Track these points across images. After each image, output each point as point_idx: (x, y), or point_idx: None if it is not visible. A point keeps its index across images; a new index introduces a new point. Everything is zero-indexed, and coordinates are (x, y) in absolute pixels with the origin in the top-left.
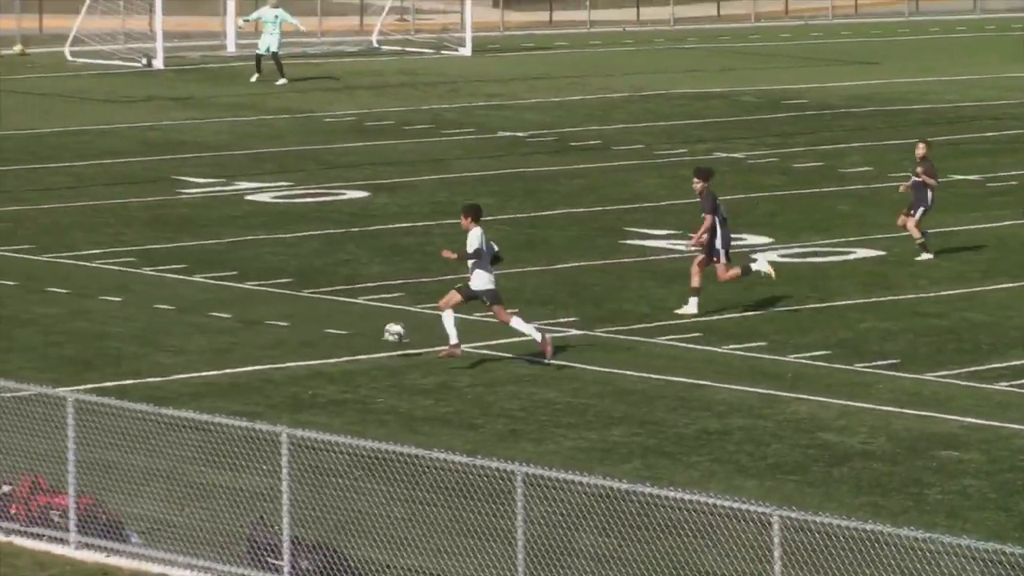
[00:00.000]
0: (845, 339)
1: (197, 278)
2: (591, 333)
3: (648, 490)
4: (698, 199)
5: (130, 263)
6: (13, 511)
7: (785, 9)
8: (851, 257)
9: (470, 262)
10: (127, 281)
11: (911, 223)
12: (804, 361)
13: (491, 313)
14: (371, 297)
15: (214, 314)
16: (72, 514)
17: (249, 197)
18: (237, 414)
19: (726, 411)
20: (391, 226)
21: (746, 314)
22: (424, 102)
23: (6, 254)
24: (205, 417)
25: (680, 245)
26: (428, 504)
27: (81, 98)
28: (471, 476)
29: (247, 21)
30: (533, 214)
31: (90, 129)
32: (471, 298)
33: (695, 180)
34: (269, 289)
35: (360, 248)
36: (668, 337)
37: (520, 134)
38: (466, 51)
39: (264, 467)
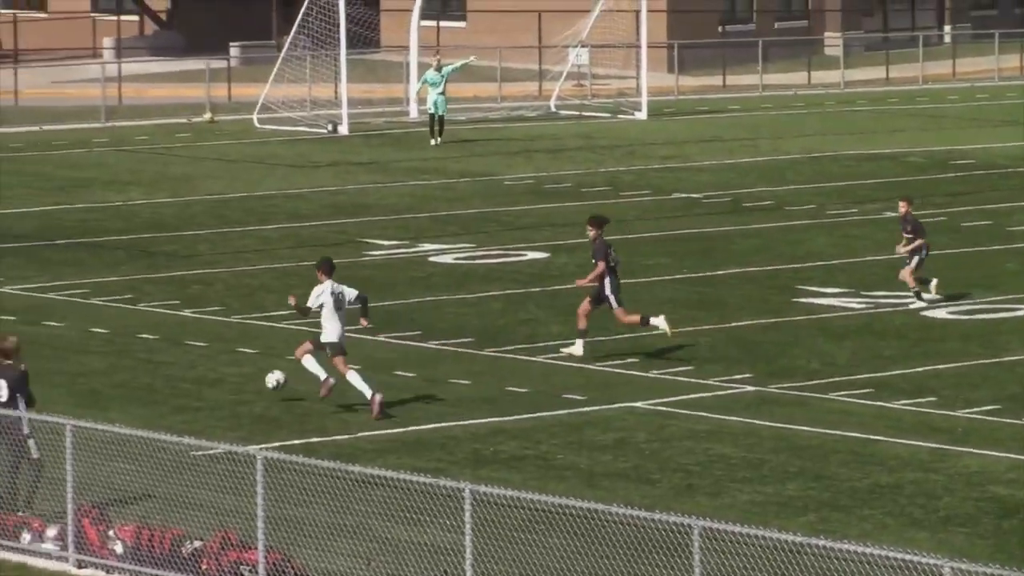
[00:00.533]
0: (1014, 394)
1: (382, 338)
2: (764, 389)
3: (822, 543)
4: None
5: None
6: (204, 566)
7: (952, 72)
8: (1019, 313)
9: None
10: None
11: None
12: (974, 416)
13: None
14: (551, 356)
15: (398, 373)
16: (261, 569)
17: (432, 258)
18: (420, 470)
19: (898, 465)
20: (570, 286)
21: (916, 370)
22: (601, 165)
23: (197, 316)
24: (390, 473)
25: (852, 303)
26: (607, 558)
27: (269, 163)
28: (649, 530)
29: (418, 91)
30: (707, 273)
31: (277, 194)
32: (320, 348)
33: (589, 228)
34: (451, 348)
35: (540, 308)
36: (840, 393)
37: (695, 195)
38: (642, 115)
39: (447, 522)
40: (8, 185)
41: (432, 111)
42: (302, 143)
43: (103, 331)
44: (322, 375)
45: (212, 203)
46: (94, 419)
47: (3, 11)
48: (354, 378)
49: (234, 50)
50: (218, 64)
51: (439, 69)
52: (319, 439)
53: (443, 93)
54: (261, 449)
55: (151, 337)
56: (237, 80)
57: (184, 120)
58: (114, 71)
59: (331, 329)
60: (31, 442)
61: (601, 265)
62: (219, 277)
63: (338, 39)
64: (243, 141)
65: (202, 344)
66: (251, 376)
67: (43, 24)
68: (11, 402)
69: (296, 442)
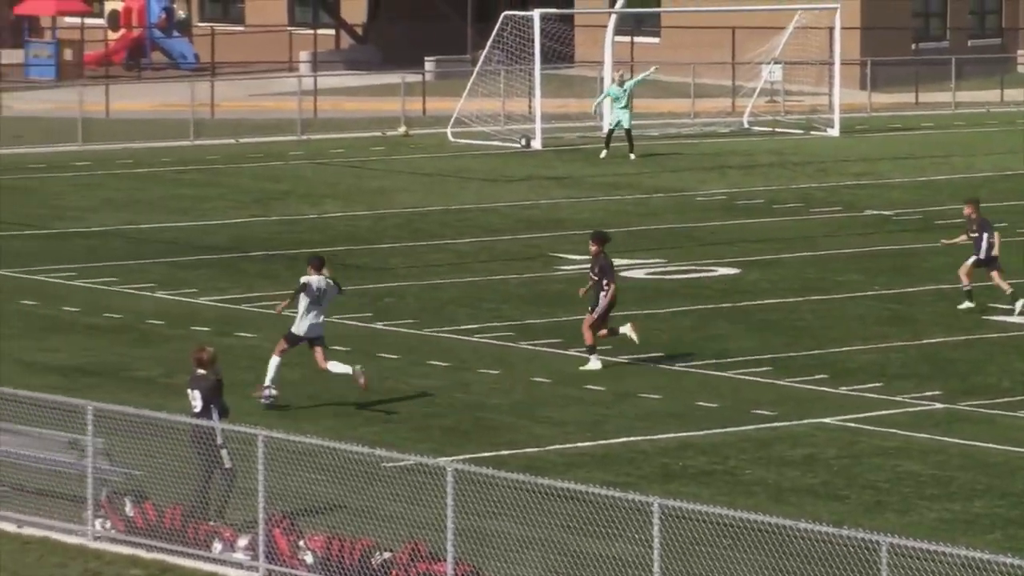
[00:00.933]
0: None
1: (572, 352)
2: (954, 407)
3: (1009, 560)
4: None
5: (508, 337)
6: None
7: None
8: None
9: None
10: (505, 354)
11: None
12: None
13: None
14: (740, 371)
15: (588, 387)
16: None
17: (624, 273)
18: (609, 484)
19: None
20: (760, 302)
21: None
22: (793, 181)
23: (390, 329)
24: (579, 486)
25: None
26: (794, 574)
27: (462, 177)
28: (837, 546)
29: (598, 105)
30: (899, 290)
31: (471, 207)
32: (295, 343)
33: (592, 244)
34: (642, 363)
35: (730, 323)
36: None
37: (886, 212)
38: (834, 132)
39: (635, 536)
40: (205, 197)
41: (611, 125)
42: (495, 157)
43: None
44: (350, 370)
45: (406, 216)
46: (286, 430)
47: (200, 24)
48: (335, 366)
49: (429, 64)
50: (413, 78)
51: (621, 83)
52: (509, 452)
53: (627, 107)
54: (451, 461)
55: (343, 349)
56: (432, 94)
57: (379, 133)
58: (310, 84)
59: (308, 324)
60: (224, 452)
61: (613, 287)
62: (411, 290)
63: (532, 54)
64: (437, 155)
65: (393, 356)
66: (442, 389)
67: (240, 37)
68: (205, 412)
69: (486, 454)
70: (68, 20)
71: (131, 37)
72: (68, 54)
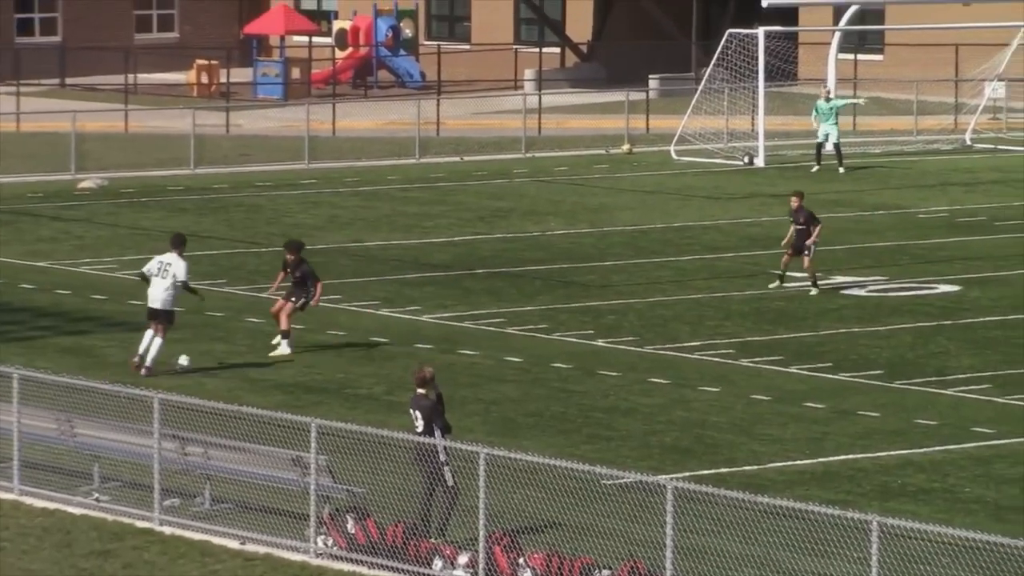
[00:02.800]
0: None
1: (793, 369)
2: None
3: None
4: None
5: (728, 355)
6: None
7: None
8: None
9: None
10: (726, 372)
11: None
12: None
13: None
14: (960, 389)
15: (808, 404)
16: None
17: (845, 291)
18: (828, 502)
19: None
20: (982, 319)
21: None
22: (1015, 199)
23: (612, 346)
24: (798, 504)
25: None
26: None
27: (685, 195)
28: None
29: (816, 117)
30: None
31: (693, 225)
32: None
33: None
34: (862, 380)
35: (951, 341)
36: None
37: None
38: None
39: (854, 554)
40: (429, 215)
41: (820, 139)
42: (718, 175)
43: (518, 360)
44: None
45: (629, 234)
46: (507, 447)
47: (426, 43)
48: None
49: (653, 82)
50: (637, 96)
51: (827, 100)
52: (728, 469)
53: (835, 123)
54: (671, 479)
55: (565, 366)
56: (655, 112)
57: (602, 151)
58: (535, 102)
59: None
60: (447, 470)
61: None
62: (633, 307)
63: (756, 71)
64: (660, 172)
65: (615, 374)
66: (663, 406)
67: (465, 56)
68: (428, 430)
69: (706, 472)
70: (296, 39)
71: (358, 56)
72: (295, 73)
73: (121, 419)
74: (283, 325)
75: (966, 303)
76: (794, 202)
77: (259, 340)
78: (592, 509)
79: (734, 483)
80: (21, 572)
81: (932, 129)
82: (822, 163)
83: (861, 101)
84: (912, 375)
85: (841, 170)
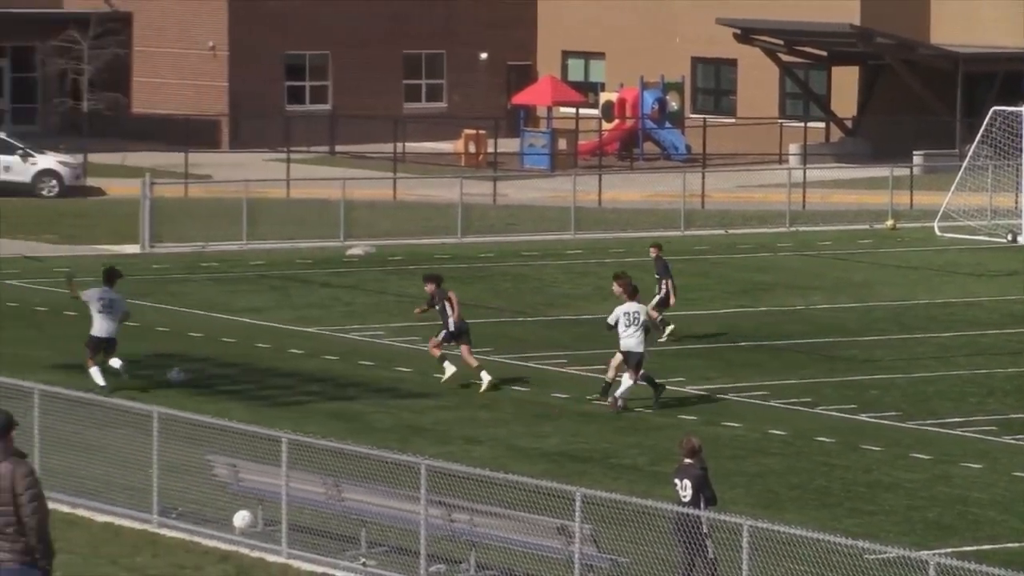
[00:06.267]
0: None
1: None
2: None
3: None
4: None
5: (991, 431)
6: None
7: None
8: None
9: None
10: (988, 448)
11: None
12: None
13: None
14: None
15: None
16: None
17: None
18: None
19: None
20: None
21: None
22: None
23: (873, 420)
24: None
25: None
26: None
27: (948, 271)
28: None
29: None
30: None
31: (956, 302)
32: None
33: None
34: None
35: None
36: None
37: None
38: None
39: None
40: (694, 287)
41: None
42: (981, 252)
43: (781, 433)
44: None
45: (892, 309)
46: (770, 520)
47: (692, 116)
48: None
49: (917, 158)
50: (901, 171)
51: None
52: (990, 547)
53: None
54: (933, 555)
55: (828, 440)
56: (919, 188)
57: (866, 226)
58: (799, 177)
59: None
60: (708, 542)
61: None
62: (896, 383)
63: (1020, 150)
64: (924, 248)
65: (878, 448)
66: (925, 482)
67: (731, 129)
68: (694, 501)
69: (968, 548)
70: (563, 110)
71: (624, 127)
72: (562, 144)
73: (388, 484)
74: (471, 364)
75: None
76: None
77: (524, 408)
78: None
79: (996, 560)
80: None
81: None
82: None
83: None
84: None
85: None
